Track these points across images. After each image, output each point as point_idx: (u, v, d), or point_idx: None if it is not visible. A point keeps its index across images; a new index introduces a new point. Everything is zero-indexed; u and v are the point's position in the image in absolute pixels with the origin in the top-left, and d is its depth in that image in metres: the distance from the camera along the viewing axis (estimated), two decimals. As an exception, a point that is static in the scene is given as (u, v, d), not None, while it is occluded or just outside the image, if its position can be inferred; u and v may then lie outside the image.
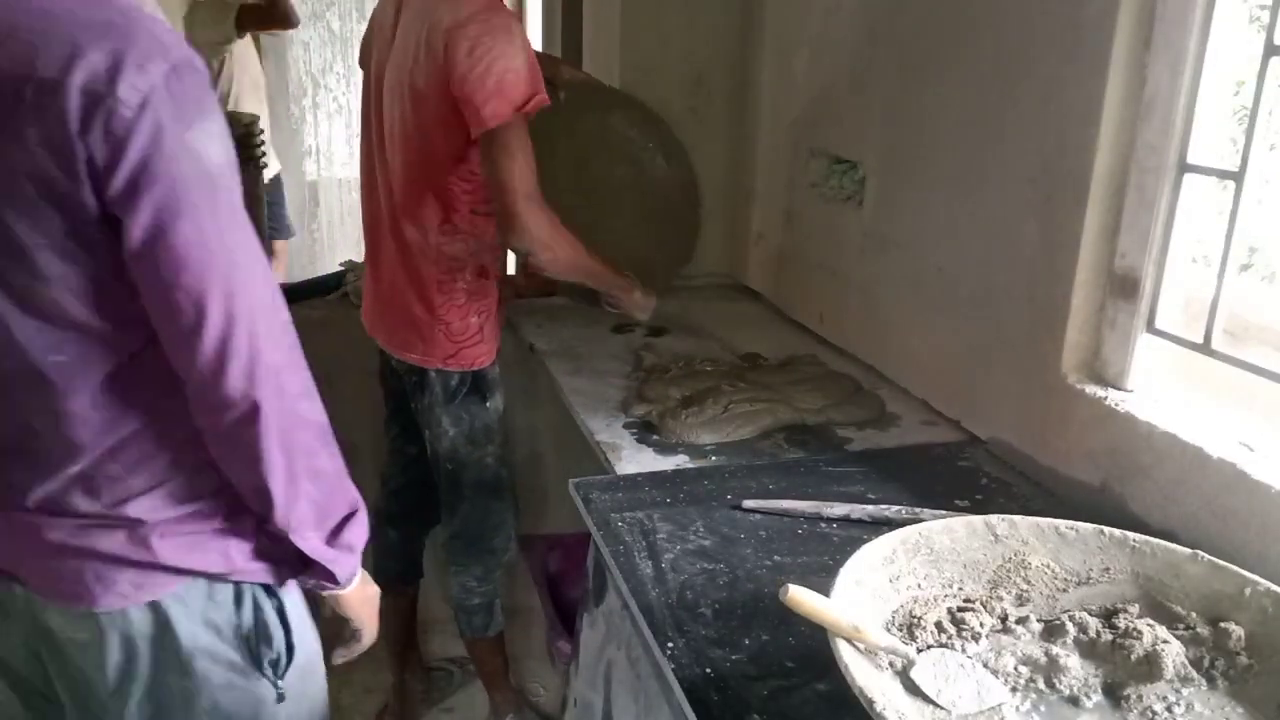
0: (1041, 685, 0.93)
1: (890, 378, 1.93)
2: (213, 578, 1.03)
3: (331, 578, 1.07)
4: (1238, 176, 1.23)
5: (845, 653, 0.86)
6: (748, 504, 1.36)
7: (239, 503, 1.02)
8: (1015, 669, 0.94)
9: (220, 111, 0.93)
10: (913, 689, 0.89)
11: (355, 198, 4.98)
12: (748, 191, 2.56)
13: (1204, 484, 1.22)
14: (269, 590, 1.07)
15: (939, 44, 1.73)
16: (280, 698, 1.08)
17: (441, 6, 1.66)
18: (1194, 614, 0.99)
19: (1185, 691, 0.92)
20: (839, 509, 1.35)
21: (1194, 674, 0.93)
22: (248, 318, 0.92)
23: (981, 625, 0.97)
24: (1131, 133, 1.35)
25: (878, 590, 0.99)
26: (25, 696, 1.11)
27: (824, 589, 0.91)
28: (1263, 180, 1.23)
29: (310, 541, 1.03)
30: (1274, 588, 0.96)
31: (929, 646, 0.95)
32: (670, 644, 1.06)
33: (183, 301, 0.89)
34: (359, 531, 1.09)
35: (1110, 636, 0.97)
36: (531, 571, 2.56)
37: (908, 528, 1.05)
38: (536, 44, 4.14)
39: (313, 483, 1.02)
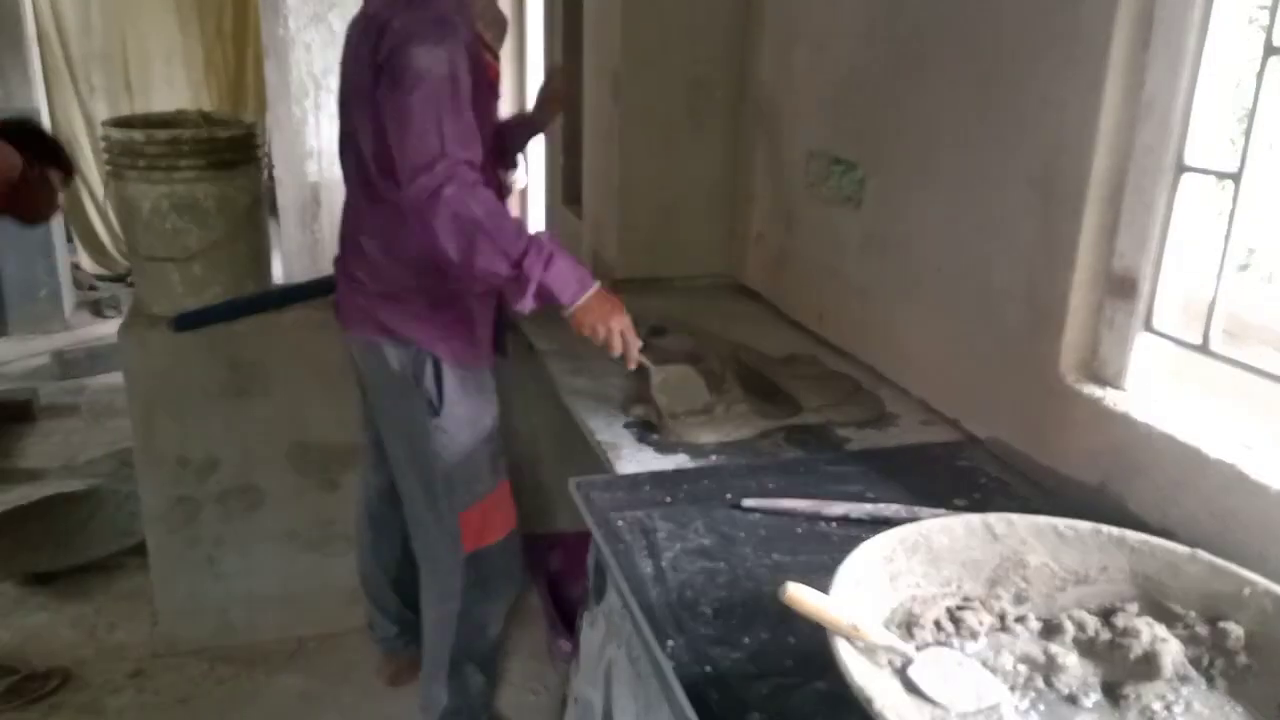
0: (1040, 684, 0.93)
1: (890, 378, 1.93)
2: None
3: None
4: (1236, 177, 1.23)
5: (844, 651, 0.86)
6: (747, 503, 1.36)
7: None
8: (1014, 667, 0.94)
9: None
10: (911, 687, 0.89)
11: (356, 198, 4.97)
12: (748, 191, 2.56)
13: (1203, 484, 1.22)
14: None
15: (939, 44, 1.73)
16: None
17: None
18: (1193, 613, 0.99)
19: (1184, 690, 0.92)
20: (838, 508, 1.35)
21: (1193, 673, 0.94)
22: None
23: (980, 624, 0.97)
24: (1130, 133, 1.35)
25: (877, 589, 0.99)
26: None
27: (823, 588, 0.91)
28: (1261, 180, 1.23)
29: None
30: (1273, 588, 0.96)
31: (928, 645, 0.95)
32: (670, 643, 1.06)
33: None
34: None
35: (1109, 635, 0.97)
36: (532, 571, 2.56)
37: (907, 527, 1.05)
38: (537, 44, 4.15)
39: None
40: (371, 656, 2.45)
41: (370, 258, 1.91)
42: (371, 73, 1.73)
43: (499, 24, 2.27)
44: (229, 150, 2.35)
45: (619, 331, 1.73)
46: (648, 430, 1.68)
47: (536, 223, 4.18)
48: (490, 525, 2.04)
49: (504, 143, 2.24)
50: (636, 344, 1.75)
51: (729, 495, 1.40)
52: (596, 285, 1.72)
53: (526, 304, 1.67)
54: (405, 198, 1.66)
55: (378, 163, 1.81)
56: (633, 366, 1.76)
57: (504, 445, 2.06)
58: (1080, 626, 0.98)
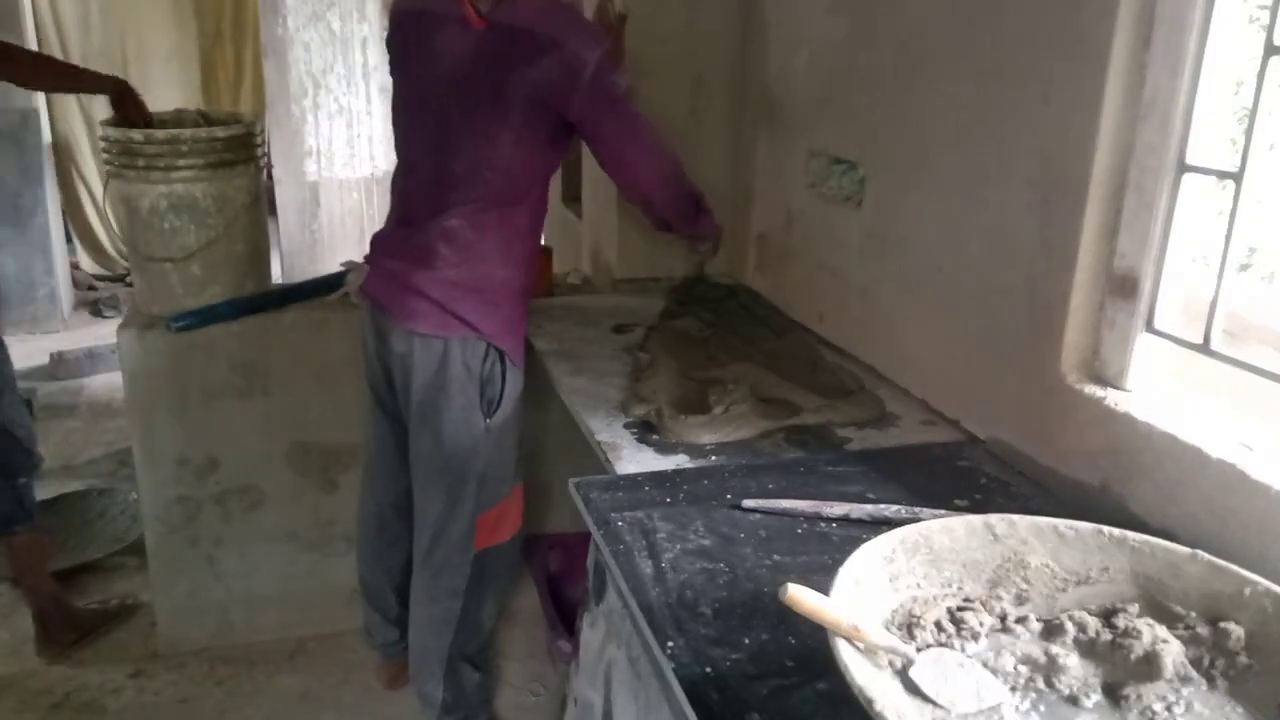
0: (1041, 685, 0.93)
1: (890, 378, 1.93)
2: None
3: None
4: (1237, 176, 1.23)
5: (845, 652, 0.86)
6: (748, 504, 1.36)
7: None
8: (1014, 668, 0.94)
9: None
10: (912, 688, 0.89)
11: (355, 198, 4.99)
12: (748, 191, 2.56)
13: (1203, 484, 1.22)
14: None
15: (939, 44, 1.73)
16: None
17: None
18: (1193, 614, 0.99)
19: (1185, 691, 0.92)
20: (839, 509, 1.35)
21: (1193, 674, 0.93)
22: None
23: (981, 625, 0.97)
24: (1131, 133, 1.35)
25: (877, 590, 0.98)
26: None
27: (824, 588, 0.91)
28: (1262, 180, 1.23)
29: None
30: (1274, 588, 0.96)
31: (928, 646, 0.95)
32: (670, 643, 1.06)
33: None
34: None
35: (1109, 636, 0.97)
36: (532, 571, 2.56)
37: (907, 527, 1.05)
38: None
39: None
40: (372, 656, 2.45)
41: (460, 251, 1.91)
42: (549, 94, 1.82)
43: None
44: (228, 150, 2.34)
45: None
46: (648, 430, 1.68)
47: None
48: (503, 525, 2.08)
49: None
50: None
51: (729, 495, 1.40)
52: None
53: (684, 230, 2.16)
54: (667, 191, 2.02)
55: (526, 161, 1.91)
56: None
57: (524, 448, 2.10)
58: (1081, 627, 0.98)
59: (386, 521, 2.25)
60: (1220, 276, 1.25)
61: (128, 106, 2.35)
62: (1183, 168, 1.30)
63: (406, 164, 2.02)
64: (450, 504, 2.00)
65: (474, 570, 2.05)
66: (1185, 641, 0.96)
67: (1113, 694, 0.92)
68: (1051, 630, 0.99)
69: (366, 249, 2.10)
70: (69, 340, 4.80)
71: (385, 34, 2.12)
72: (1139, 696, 0.91)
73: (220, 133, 2.35)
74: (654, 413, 1.71)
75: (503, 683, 2.46)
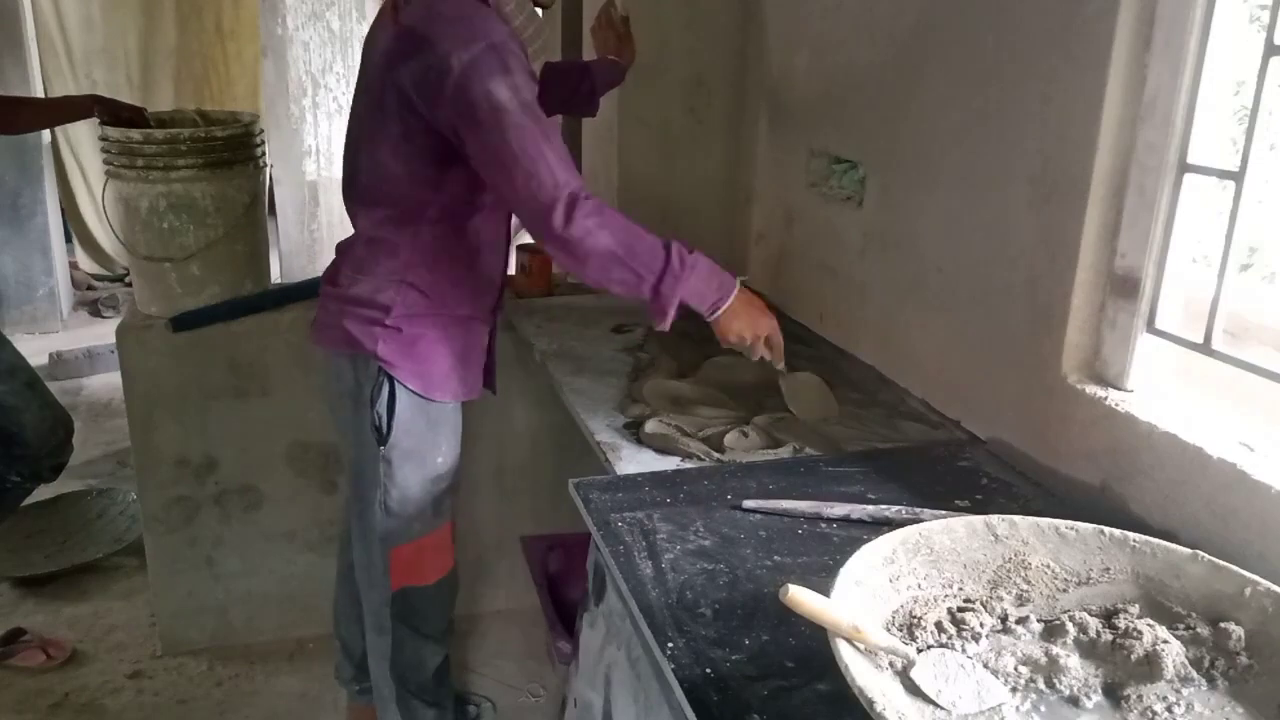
0: (1041, 685, 0.93)
1: (891, 378, 1.92)
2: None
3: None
4: (1238, 176, 1.23)
5: (845, 653, 0.85)
6: (748, 504, 1.36)
7: None
8: (1015, 669, 0.94)
9: None
10: (913, 689, 0.89)
11: (355, 198, 4.95)
12: (748, 191, 2.56)
13: (1204, 484, 1.22)
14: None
15: (939, 44, 1.73)
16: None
17: None
18: (1194, 614, 0.99)
19: (1185, 691, 0.92)
20: (839, 509, 1.35)
21: (1194, 674, 0.93)
22: None
23: (981, 625, 0.97)
24: (1132, 132, 1.35)
25: (878, 590, 0.98)
26: None
27: (824, 589, 0.90)
28: (1263, 180, 1.22)
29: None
30: (1274, 588, 0.96)
31: (929, 647, 0.95)
32: (670, 644, 1.06)
33: None
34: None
35: (1110, 636, 0.96)
36: (531, 571, 2.56)
37: (908, 528, 1.05)
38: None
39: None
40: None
41: (364, 267, 1.79)
42: (408, 90, 1.62)
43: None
44: (227, 149, 2.34)
45: (764, 337, 1.68)
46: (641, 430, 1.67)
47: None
48: (423, 566, 1.92)
49: (593, 85, 2.20)
50: (781, 345, 1.71)
51: (729, 496, 1.39)
52: (737, 288, 1.66)
53: (665, 324, 1.60)
54: (544, 238, 1.59)
55: (410, 175, 1.71)
56: (781, 367, 1.74)
57: (455, 485, 1.93)
58: (1082, 628, 0.98)
59: (345, 542, 2.14)
60: (1221, 276, 1.25)
61: (119, 113, 2.35)
62: (1183, 168, 1.30)
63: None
64: (361, 530, 1.90)
65: (395, 609, 1.91)
66: (1186, 642, 0.96)
67: (1113, 694, 0.92)
68: (1052, 631, 0.99)
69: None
70: (68, 340, 4.79)
71: None
72: (1140, 697, 0.91)
73: (219, 132, 2.35)
74: (649, 413, 1.70)
75: (502, 683, 2.46)
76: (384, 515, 1.84)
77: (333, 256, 1.91)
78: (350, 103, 1.90)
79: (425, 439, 1.83)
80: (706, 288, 1.62)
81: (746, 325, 1.66)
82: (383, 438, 1.78)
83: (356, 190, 1.83)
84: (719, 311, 1.63)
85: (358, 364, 1.79)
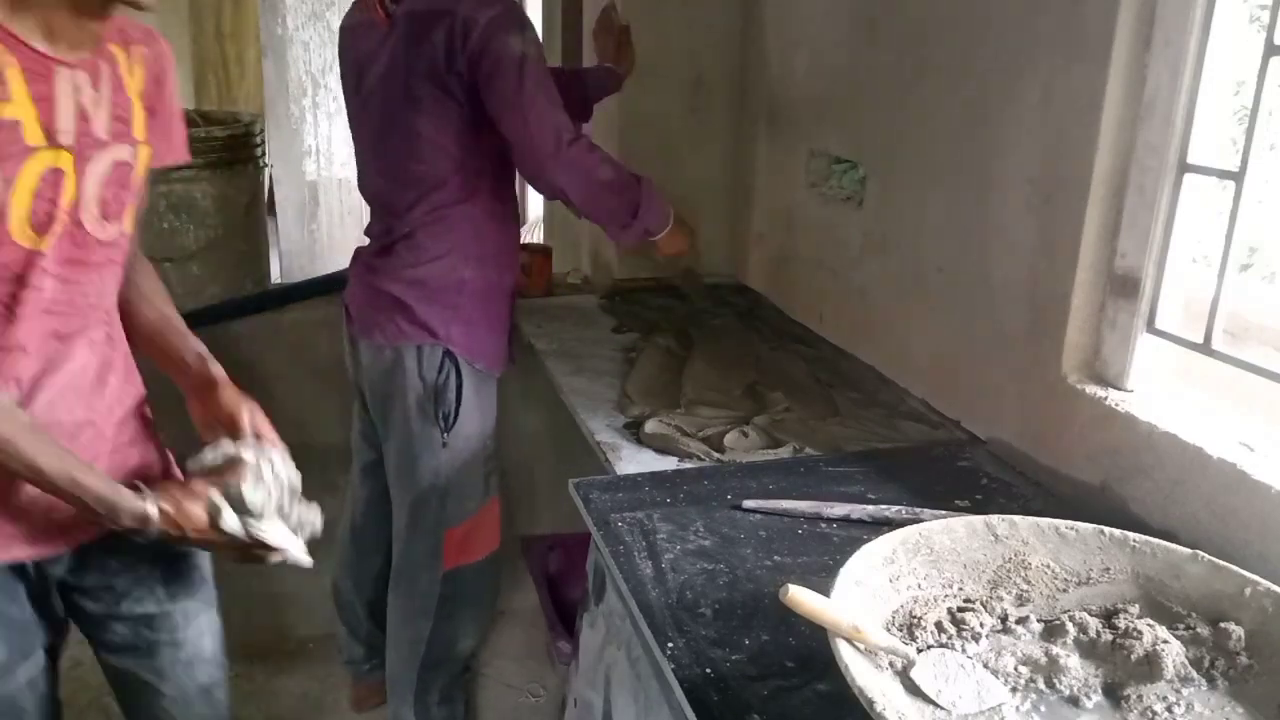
0: (1041, 685, 0.93)
1: (891, 378, 1.92)
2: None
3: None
4: (1238, 176, 1.23)
5: (845, 653, 0.85)
6: (748, 504, 1.36)
7: None
8: (1015, 669, 0.94)
9: None
10: (913, 689, 0.89)
11: (355, 198, 4.97)
12: (748, 191, 2.56)
13: (1204, 484, 1.22)
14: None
15: (939, 43, 1.73)
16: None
17: None
18: (1194, 614, 0.99)
19: (1185, 691, 0.92)
20: (839, 509, 1.35)
21: (1194, 674, 0.93)
22: None
23: (981, 625, 0.97)
24: (1132, 132, 1.35)
25: (878, 590, 0.98)
26: None
27: (824, 589, 0.90)
28: (1263, 180, 1.23)
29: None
30: (1274, 588, 0.96)
31: (929, 647, 0.95)
32: (670, 644, 1.06)
33: None
34: None
35: (1110, 637, 0.96)
36: (531, 571, 2.56)
37: (908, 528, 1.05)
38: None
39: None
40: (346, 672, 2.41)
41: (413, 253, 1.87)
42: (444, 65, 1.76)
43: None
44: (227, 149, 2.34)
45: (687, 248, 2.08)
46: (636, 430, 1.67)
47: (537, 221, 4.18)
48: (473, 544, 2.00)
49: (585, 92, 2.24)
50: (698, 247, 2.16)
51: (729, 496, 1.39)
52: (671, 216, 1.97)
53: (629, 239, 1.94)
54: (544, 176, 1.81)
55: (457, 143, 1.83)
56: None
57: (499, 462, 2.02)
58: (1082, 628, 0.98)
59: (357, 530, 2.21)
60: (1221, 276, 1.25)
61: None
62: (1183, 168, 1.30)
63: (359, 175, 2.06)
64: (413, 519, 1.96)
65: (444, 590, 1.98)
66: (1186, 642, 0.96)
67: (1113, 694, 0.92)
68: (1052, 631, 0.99)
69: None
70: (68, 340, 4.78)
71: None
72: (1140, 697, 0.91)
73: (219, 132, 2.35)
74: (646, 413, 1.71)
75: (503, 683, 2.46)
76: (442, 501, 1.94)
77: (332, 255, 1.94)
78: (347, 110, 2.00)
79: (484, 418, 1.97)
80: (660, 215, 1.95)
81: (681, 240, 2.02)
82: (449, 425, 1.89)
83: (392, 185, 1.90)
84: (664, 232, 1.95)
85: (423, 354, 1.88)
